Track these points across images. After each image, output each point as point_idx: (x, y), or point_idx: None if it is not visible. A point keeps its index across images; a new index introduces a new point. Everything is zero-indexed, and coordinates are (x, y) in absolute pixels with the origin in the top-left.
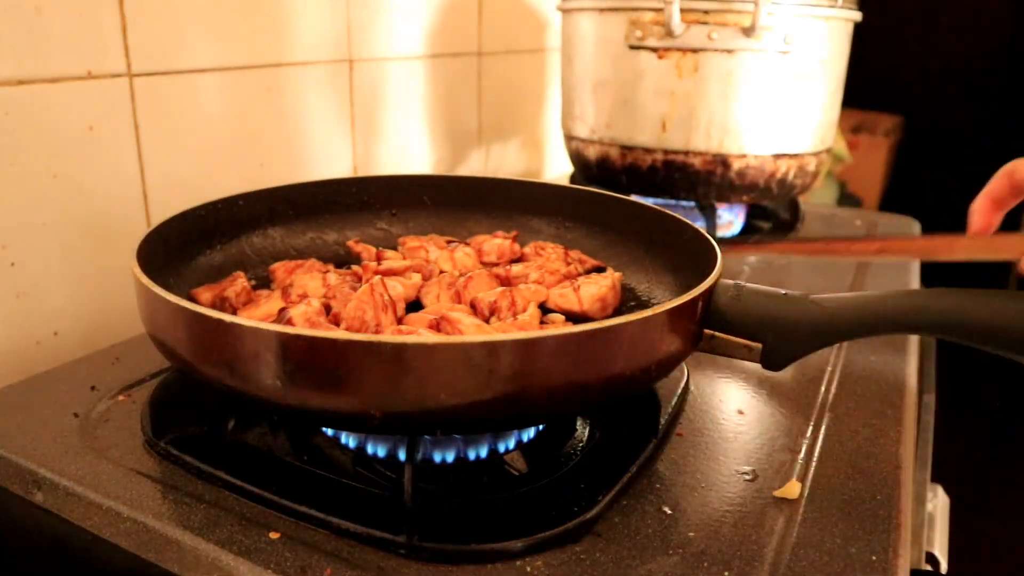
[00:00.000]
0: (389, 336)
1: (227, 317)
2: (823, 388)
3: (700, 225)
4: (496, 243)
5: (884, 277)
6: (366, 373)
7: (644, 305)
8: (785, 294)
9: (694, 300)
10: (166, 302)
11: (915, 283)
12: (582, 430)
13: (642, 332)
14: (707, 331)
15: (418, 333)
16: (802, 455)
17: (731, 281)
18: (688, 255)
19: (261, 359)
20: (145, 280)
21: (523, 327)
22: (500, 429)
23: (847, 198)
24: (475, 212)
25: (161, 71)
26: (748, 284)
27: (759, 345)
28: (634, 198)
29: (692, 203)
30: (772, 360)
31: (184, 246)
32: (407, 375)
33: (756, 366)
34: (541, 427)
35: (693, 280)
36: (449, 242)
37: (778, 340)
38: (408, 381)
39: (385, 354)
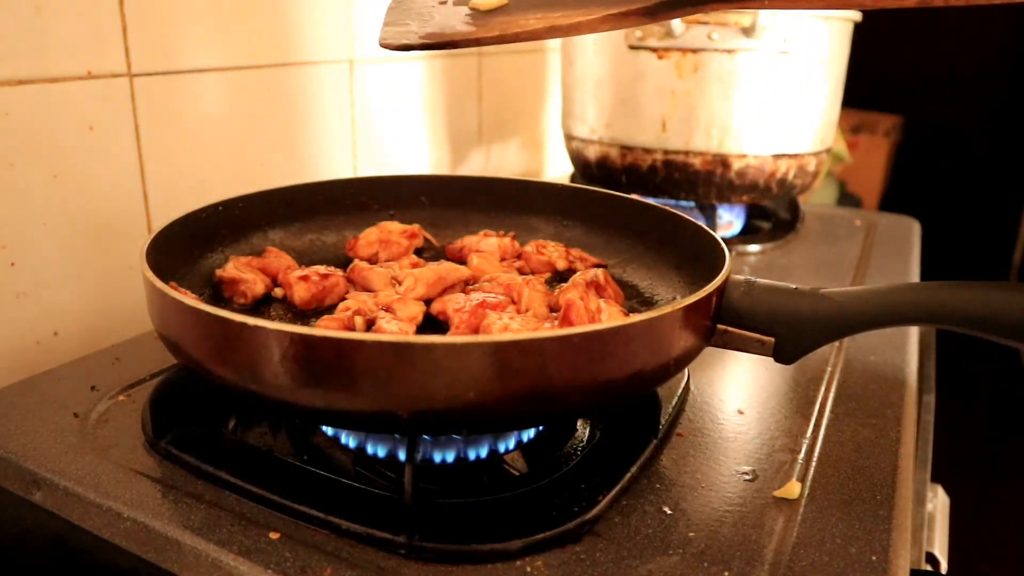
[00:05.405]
0: (418, 337)
1: (251, 320)
2: (823, 388)
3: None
4: (493, 242)
5: (884, 274)
6: (394, 374)
7: (648, 302)
8: (795, 289)
9: (709, 296)
10: (193, 310)
11: (915, 279)
12: (582, 430)
13: (662, 328)
14: (720, 326)
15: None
16: (802, 455)
17: (742, 277)
18: (689, 251)
19: (286, 362)
20: (160, 284)
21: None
22: (525, 426)
23: (847, 198)
24: (474, 212)
25: (161, 71)
26: (759, 280)
27: (771, 339)
28: (634, 197)
29: (692, 203)
30: (784, 353)
31: (187, 249)
32: (436, 375)
33: (756, 366)
34: (541, 427)
35: (696, 276)
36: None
37: (790, 334)
38: (437, 381)
39: (414, 355)
